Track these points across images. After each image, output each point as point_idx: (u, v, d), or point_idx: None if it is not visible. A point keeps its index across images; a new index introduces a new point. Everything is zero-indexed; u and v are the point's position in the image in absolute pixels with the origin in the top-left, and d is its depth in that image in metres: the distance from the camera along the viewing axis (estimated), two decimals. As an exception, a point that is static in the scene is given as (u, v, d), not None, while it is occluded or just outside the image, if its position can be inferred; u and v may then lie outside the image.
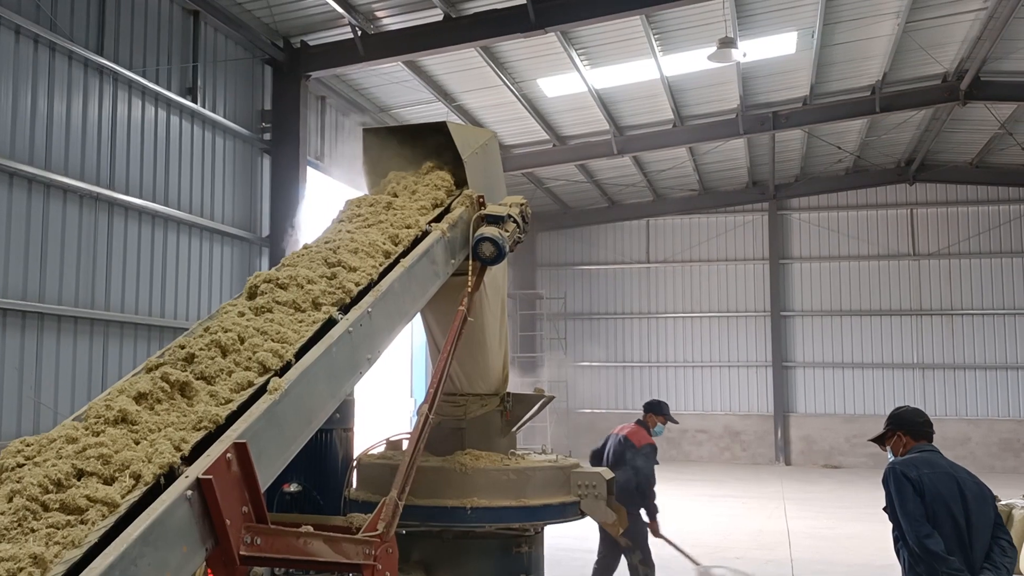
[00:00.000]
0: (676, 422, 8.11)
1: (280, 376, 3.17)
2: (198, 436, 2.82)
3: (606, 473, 5.36)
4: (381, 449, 5.62)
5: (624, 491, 7.05)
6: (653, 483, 7.47)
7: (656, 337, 24.27)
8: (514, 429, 5.54)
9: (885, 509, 4.12)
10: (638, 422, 7.78)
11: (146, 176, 10.65)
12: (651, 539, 7.37)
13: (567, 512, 5.25)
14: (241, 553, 2.74)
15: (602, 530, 7.08)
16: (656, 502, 7.44)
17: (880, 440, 4.44)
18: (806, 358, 23.56)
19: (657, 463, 7.60)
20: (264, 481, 2.90)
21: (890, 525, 4.15)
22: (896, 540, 4.13)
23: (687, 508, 14.48)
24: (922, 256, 22.93)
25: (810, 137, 19.69)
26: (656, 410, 7.81)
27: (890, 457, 4.33)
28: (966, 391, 22.49)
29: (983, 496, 4.07)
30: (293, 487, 5.46)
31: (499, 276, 5.58)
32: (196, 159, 11.54)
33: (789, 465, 22.79)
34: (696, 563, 7.44)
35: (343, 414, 5.82)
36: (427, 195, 4.91)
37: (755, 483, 18.47)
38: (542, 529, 5.45)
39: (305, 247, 4.31)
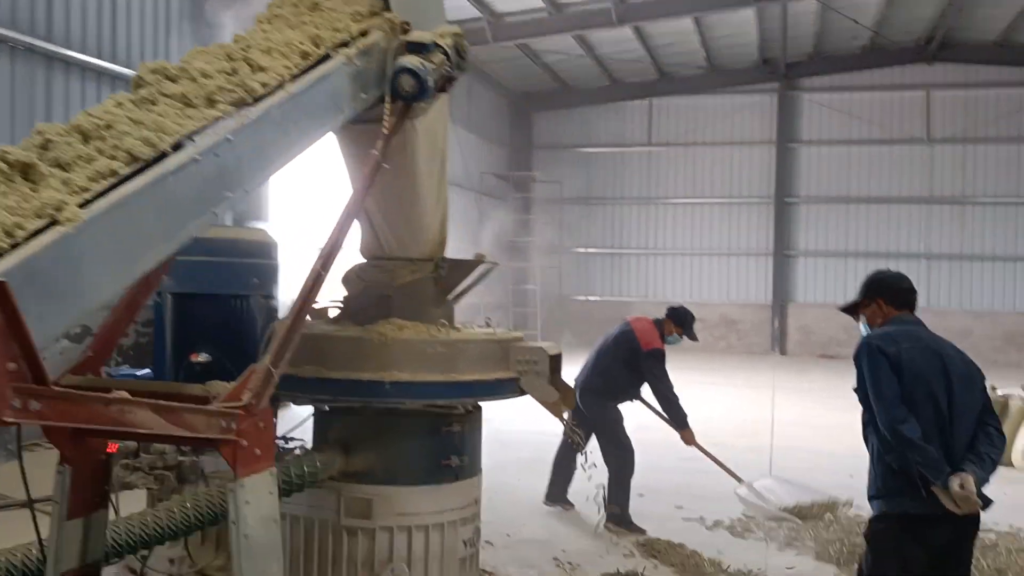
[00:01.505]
0: (696, 339, 7.08)
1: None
2: (38, 224, 2.31)
3: (550, 348, 4.76)
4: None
5: (607, 384, 6.47)
6: (673, 389, 6.64)
7: (655, 224, 23.52)
8: (451, 298, 4.92)
9: (856, 389, 3.52)
10: (656, 321, 6.90)
11: None
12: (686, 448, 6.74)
13: (504, 389, 4.68)
14: (7, 419, 2.15)
15: (593, 413, 6.51)
16: (683, 409, 6.62)
17: (853, 309, 3.81)
18: (809, 246, 22.86)
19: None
20: (47, 335, 2.28)
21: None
22: (865, 425, 3.54)
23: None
24: (936, 141, 21.89)
25: (825, 10, 18.37)
26: (679, 319, 6.88)
27: (862, 330, 3.70)
28: (971, 283, 21.86)
29: (971, 377, 3.46)
30: (202, 357, 4.91)
31: (436, 124, 4.85)
32: None
33: (785, 355, 22.43)
34: (739, 479, 6.66)
35: (264, 280, 5.22)
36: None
37: (748, 372, 18.11)
38: (478, 408, 4.91)
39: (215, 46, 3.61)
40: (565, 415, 4.80)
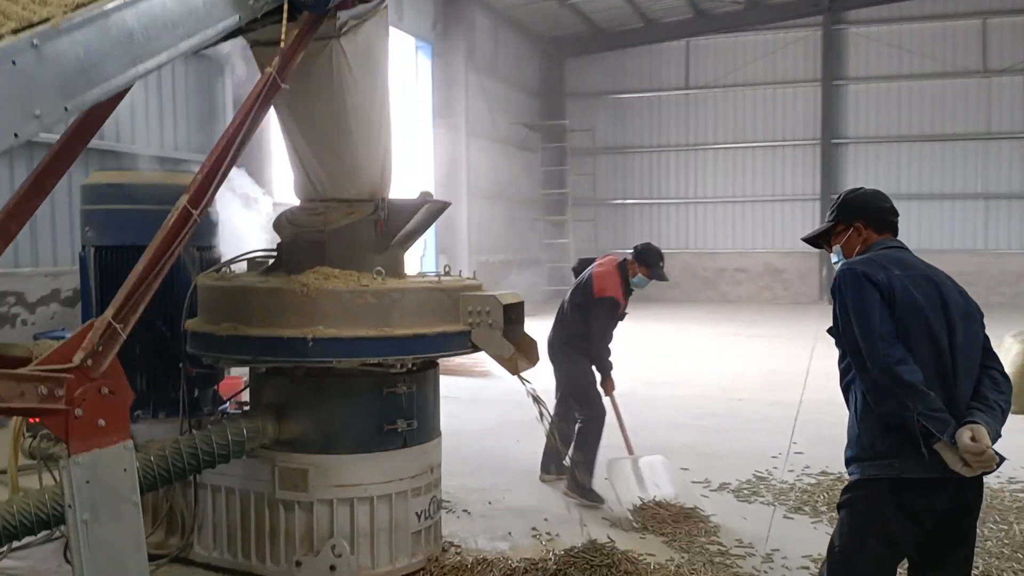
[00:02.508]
0: (665, 279, 5.96)
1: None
2: None
3: (505, 296, 4.20)
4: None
5: (570, 336, 5.86)
6: (604, 340, 5.79)
7: (694, 171, 22.55)
8: (395, 243, 4.38)
9: (832, 330, 2.86)
10: (621, 263, 5.98)
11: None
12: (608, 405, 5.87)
13: (451, 344, 4.15)
14: None
15: (556, 370, 5.96)
16: (610, 359, 5.83)
17: (822, 237, 3.10)
18: (858, 190, 21.67)
19: (621, 317, 5.86)
20: None
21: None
22: (844, 373, 2.86)
23: (709, 348, 13.49)
24: (993, 73, 20.44)
25: (870, -67, 17.12)
26: (643, 259, 5.87)
27: (835, 260, 3.02)
28: (1034, 224, 20.56)
29: (969, 312, 2.80)
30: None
31: (373, 46, 4.28)
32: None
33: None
34: (630, 451, 5.77)
35: (199, 229, 4.72)
36: None
37: (790, 323, 17.28)
38: (432, 365, 4.39)
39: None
40: (525, 373, 4.24)
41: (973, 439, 2.50)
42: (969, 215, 20.96)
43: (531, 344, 4.36)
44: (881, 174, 21.37)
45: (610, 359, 5.86)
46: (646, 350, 12.76)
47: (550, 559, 4.19)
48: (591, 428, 5.66)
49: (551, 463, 6.00)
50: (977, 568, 4.21)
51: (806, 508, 5.34)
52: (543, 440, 5.74)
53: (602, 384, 5.86)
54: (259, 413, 4.20)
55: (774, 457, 6.57)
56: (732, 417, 8.11)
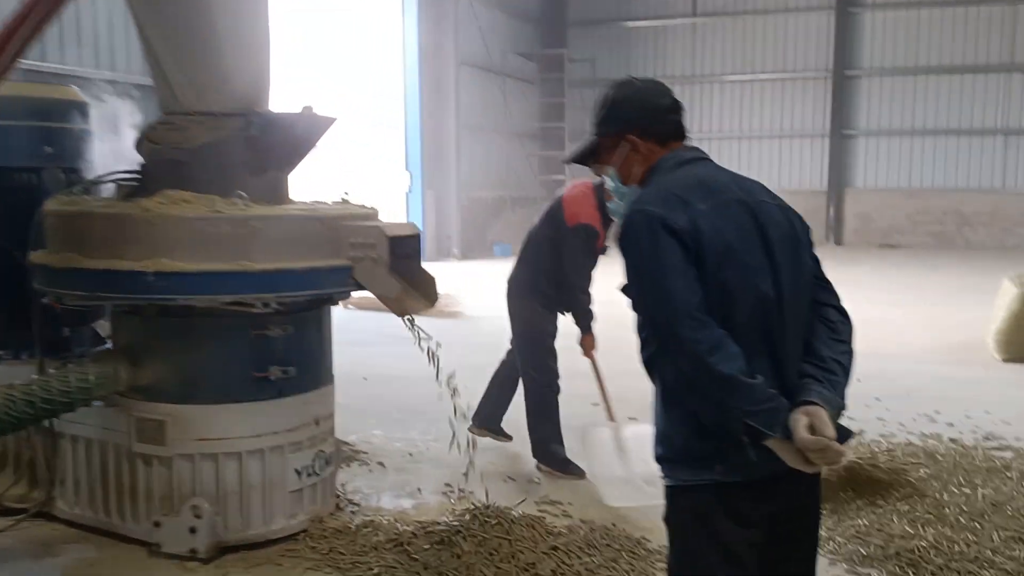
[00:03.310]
0: None
1: None
2: None
3: (391, 227, 3.66)
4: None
5: (531, 276, 4.80)
6: (582, 281, 4.68)
7: (700, 105, 21.63)
8: (272, 165, 3.82)
9: (625, 290, 2.02)
10: (597, 187, 4.63)
11: None
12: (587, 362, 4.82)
13: (326, 281, 3.63)
14: None
15: (509, 316, 4.92)
16: (590, 308, 4.72)
17: (591, 158, 2.25)
18: (870, 125, 20.81)
19: (601, 253, 4.71)
20: None
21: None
22: (646, 344, 2.03)
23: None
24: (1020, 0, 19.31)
25: None
26: None
27: (611, 186, 2.22)
28: (1056, 161, 19.63)
29: (795, 236, 2.04)
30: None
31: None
32: None
33: (840, 245, 20.73)
34: (611, 419, 4.53)
35: (62, 148, 4.20)
36: None
37: (791, 262, 16.62)
38: (318, 304, 3.86)
39: None
40: (416, 318, 3.72)
41: (812, 427, 1.83)
42: (988, 152, 20.04)
43: (428, 282, 3.84)
44: (896, 108, 20.47)
45: (591, 307, 4.73)
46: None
47: (442, 522, 3.72)
48: (540, 395, 4.74)
49: (487, 417, 5.28)
50: (925, 540, 3.72)
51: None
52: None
53: (580, 342, 4.77)
54: (111, 356, 3.72)
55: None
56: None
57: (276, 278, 3.46)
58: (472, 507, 3.67)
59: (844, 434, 1.91)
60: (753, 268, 1.96)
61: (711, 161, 2.16)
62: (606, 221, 4.60)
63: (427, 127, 16.50)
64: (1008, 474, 4.58)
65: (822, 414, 1.86)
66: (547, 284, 4.75)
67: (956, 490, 4.33)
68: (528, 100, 20.50)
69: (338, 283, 3.64)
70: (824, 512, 4.07)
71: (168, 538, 3.59)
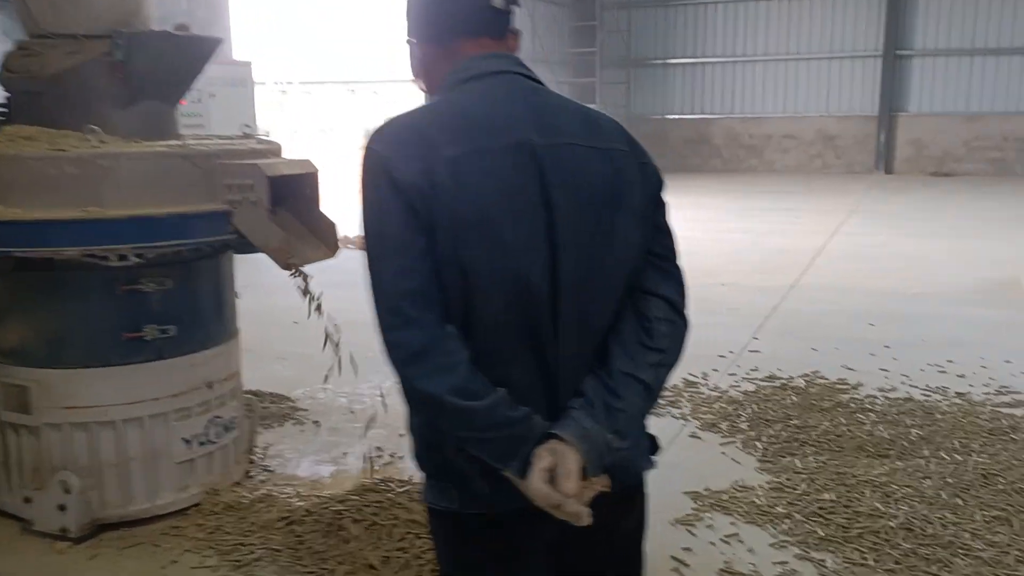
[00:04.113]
0: None
1: None
2: None
3: (272, 165, 3.19)
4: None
5: None
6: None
7: (743, 25, 20.43)
8: (147, 95, 3.36)
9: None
10: None
11: None
12: None
13: (195, 229, 3.18)
14: None
15: None
16: None
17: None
18: (927, 44, 19.39)
19: None
20: None
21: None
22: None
23: (723, 225, 12.11)
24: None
25: None
26: None
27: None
28: None
29: (612, 196, 1.45)
30: None
31: None
32: None
33: (890, 174, 19.60)
34: None
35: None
36: None
37: (833, 194, 15.73)
38: (207, 253, 3.42)
39: None
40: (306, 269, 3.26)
41: (553, 475, 1.34)
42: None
43: (328, 229, 3.38)
44: (954, 25, 19.04)
45: None
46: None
47: (340, 497, 3.32)
48: None
49: None
50: (896, 519, 3.20)
51: (722, 424, 4.34)
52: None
53: None
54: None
55: (721, 357, 5.53)
56: (700, 306, 6.96)
57: (132, 226, 3.03)
58: (366, 483, 3.26)
59: (633, 475, 1.47)
60: (513, 246, 1.39)
61: (519, 79, 1.52)
62: None
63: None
64: (1013, 436, 4.01)
65: (569, 457, 1.35)
66: None
67: (947, 456, 3.79)
68: (557, 23, 19.56)
69: (212, 231, 3.19)
70: (790, 484, 3.59)
71: (39, 515, 3.26)
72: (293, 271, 3.24)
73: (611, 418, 1.41)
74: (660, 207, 1.55)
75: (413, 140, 1.39)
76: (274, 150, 3.54)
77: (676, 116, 21.20)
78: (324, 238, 3.40)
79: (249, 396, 4.38)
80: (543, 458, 1.35)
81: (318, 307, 3.30)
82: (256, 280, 8.37)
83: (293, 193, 3.38)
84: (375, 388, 5.07)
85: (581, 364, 1.46)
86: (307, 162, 3.40)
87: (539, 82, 1.57)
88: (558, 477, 1.33)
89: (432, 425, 1.44)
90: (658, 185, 1.53)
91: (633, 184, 1.48)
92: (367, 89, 19.25)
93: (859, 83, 19.91)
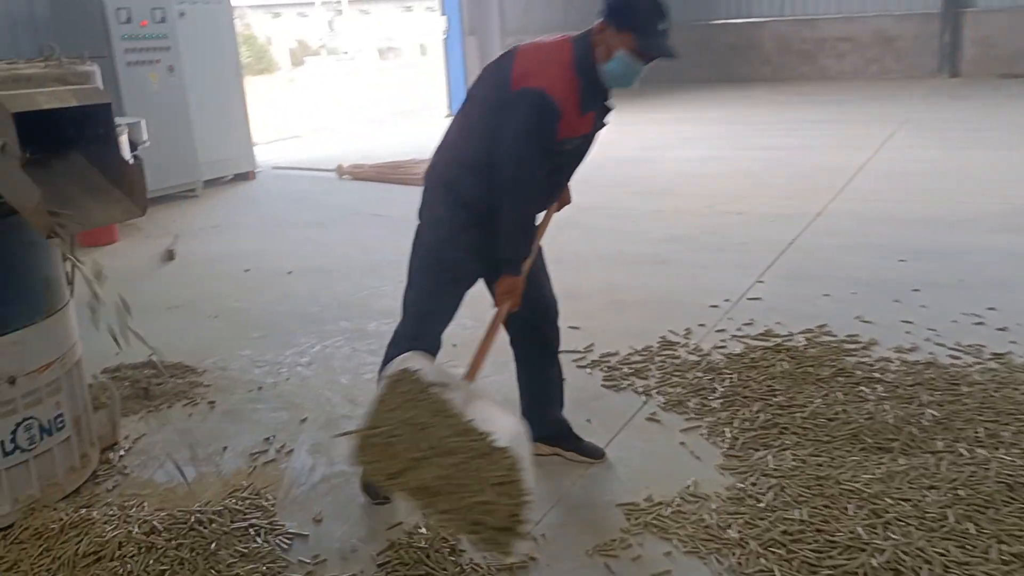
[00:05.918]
0: (670, 54, 2.54)
1: None
2: None
3: (20, 99, 2.39)
4: None
5: (453, 165, 2.80)
6: (521, 192, 2.64)
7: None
8: None
9: None
10: (580, 38, 2.66)
11: None
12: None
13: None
14: None
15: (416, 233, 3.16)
16: (527, 236, 2.74)
17: None
18: (999, -71, 17.39)
19: (577, 150, 2.77)
20: None
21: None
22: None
23: (754, 141, 10.92)
24: None
25: None
26: (624, 17, 2.58)
27: None
28: None
29: None
30: None
31: None
32: None
33: (956, 77, 17.85)
34: (470, 376, 2.57)
35: None
36: None
37: (888, 102, 14.30)
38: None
39: None
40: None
41: None
42: None
43: (134, 179, 2.60)
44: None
45: (528, 234, 2.76)
46: (670, 149, 10.51)
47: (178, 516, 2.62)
48: (400, 348, 2.72)
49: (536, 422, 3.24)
50: (880, 554, 2.36)
51: (691, 402, 3.50)
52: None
53: (502, 283, 2.70)
54: None
55: (713, 307, 4.64)
56: (704, 241, 6.05)
57: None
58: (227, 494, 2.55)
59: None
60: None
61: None
62: (592, 93, 2.69)
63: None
64: (1061, 423, 3.08)
65: None
66: (467, 177, 2.73)
67: (966, 452, 2.90)
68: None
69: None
70: (754, 494, 2.77)
71: None
72: (61, 241, 2.47)
73: None
74: None
75: None
76: (87, 73, 2.73)
77: (721, 21, 19.64)
78: (131, 192, 2.62)
79: (105, 380, 3.70)
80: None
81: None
82: (229, 220, 7.60)
83: (86, 134, 2.60)
84: (297, 355, 4.39)
85: None
86: (92, 90, 2.59)
87: None
88: None
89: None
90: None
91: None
92: (422, 5, 18.16)
93: (922, -24, 18.03)
